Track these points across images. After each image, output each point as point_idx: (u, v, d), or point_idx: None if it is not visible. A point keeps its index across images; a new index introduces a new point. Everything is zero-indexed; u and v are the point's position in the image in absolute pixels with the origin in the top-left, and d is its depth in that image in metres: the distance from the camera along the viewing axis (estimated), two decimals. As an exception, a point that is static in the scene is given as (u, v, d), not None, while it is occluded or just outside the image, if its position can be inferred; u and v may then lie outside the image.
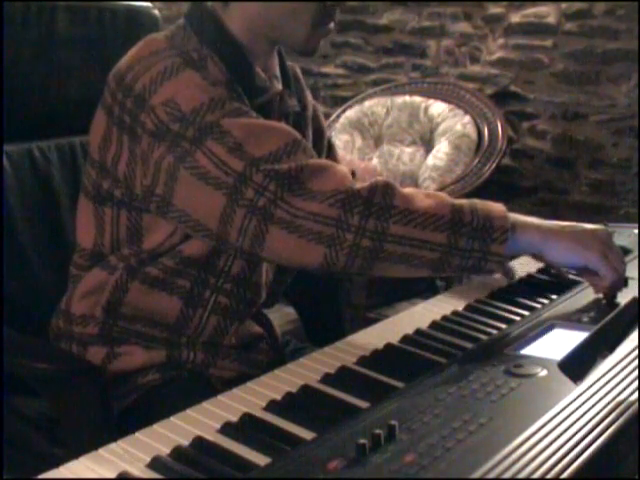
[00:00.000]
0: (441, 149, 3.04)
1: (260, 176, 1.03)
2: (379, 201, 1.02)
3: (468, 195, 2.93)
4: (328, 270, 1.05)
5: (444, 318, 1.14)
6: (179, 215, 1.09)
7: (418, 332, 1.09)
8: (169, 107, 1.07)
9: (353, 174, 1.48)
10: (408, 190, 1.07)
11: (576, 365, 0.91)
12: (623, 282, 1.15)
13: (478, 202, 1.08)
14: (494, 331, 1.08)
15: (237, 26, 1.17)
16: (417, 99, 3.22)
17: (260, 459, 0.76)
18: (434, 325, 1.12)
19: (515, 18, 3.30)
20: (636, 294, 1.13)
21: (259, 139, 1.06)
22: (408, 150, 3.19)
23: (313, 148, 1.36)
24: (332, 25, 1.19)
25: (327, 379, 0.95)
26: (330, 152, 1.44)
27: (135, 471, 0.74)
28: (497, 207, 1.08)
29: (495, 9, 3.35)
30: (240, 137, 1.05)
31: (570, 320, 1.09)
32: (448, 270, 1.05)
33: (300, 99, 1.33)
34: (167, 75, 1.09)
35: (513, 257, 1.20)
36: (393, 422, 0.76)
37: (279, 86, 1.25)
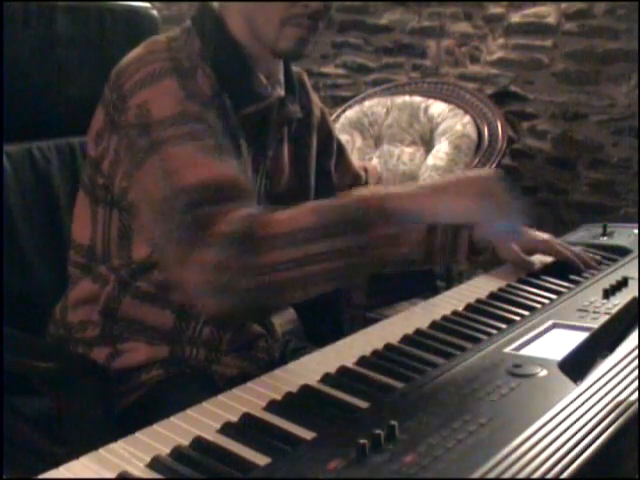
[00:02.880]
0: (441, 149, 3.04)
1: (177, 211, 1.01)
2: (251, 237, 0.96)
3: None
4: (231, 317, 1.01)
5: (444, 318, 1.14)
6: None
7: (418, 332, 1.09)
8: (141, 111, 1.07)
9: (365, 170, 1.49)
10: (280, 214, 0.99)
11: (576, 365, 0.91)
12: (516, 230, 1.06)
13: (352, 197, 1.00)
14: (494, 331, 1.08)
15: (237, 27, 1.17)
16: (417, 99, 3.22)
17: (260, 459, 0.76)
18: (434, 325, 1.12)
19: (515, 18, 3.30)
20: (636, 294, 1.14)
21: (187, 171, 1.03)
22: (408, 150, 3.19)
23: (321, 154, 1.36)
24: (312, 31, 1.14)
25: (327, 379, 0.95)
26: (340, 156, 1.44)
27: (135, 471, 0.74)
28: (370, 191, 1.01)
29: (495, 9, 3.35)
30: (175, 165, 1.03)
31: (570, 320, 1.09)
32: (361, 270, 0.98)
33: (304, 105, 1.33)
34: (149, 80, 1.09)
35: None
36: (393, 422, 0.76)
37: (281, 92, 1.24)
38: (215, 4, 1.19)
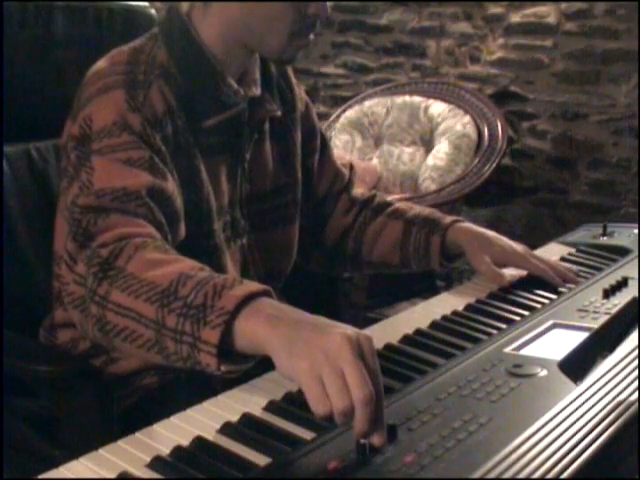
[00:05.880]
0: (441, 149, 3.04)
1: (73, 213, 1.02)
2: (111, 262, 0.92)
3: (468, 195, 2.94)
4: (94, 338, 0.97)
5: (444, 318, 1.14)
6: None
7: (418, 332, 1.09)
8: (85, 123, 1.08)
9: (352, 167, 1.47)
10: (151, 255, 0.92)
11: (576, 365, 0.91)
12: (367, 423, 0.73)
13: (222, 279, 0.85)
14: (494, 331, 1.08)
15: (214, 33, 1.15)
16: (417, 99, 3.22)
17: (260, 459, 0.76)
18: (434, 325, 1.12)
19: (515, 18, 3.31)
20: (636, 294, 1.13)
21: (95, 178, 1.03)
22: (408, 150, 3.19)
23: (303, 150, 1.34)
24: (311, 37, 1.17)
25: (327, 379, 0.94)
26: (323, 153, 1.41)
27: (135, 471, 0.74)
28: (246, 286, 0.83)
29: (495, 9, 3.35)
30: (93, 174, 1.04)
31: (570, 320, 1.09)
32: (171, 358, 0.86)
33: (287, 100, 1.31)
34: (97, 93, 1.09)
35: (249, 358, 0.85)
36: (393, 422, 0.76)
37: (257, 91, 1.22)
38: (184, 8, 1.17)
